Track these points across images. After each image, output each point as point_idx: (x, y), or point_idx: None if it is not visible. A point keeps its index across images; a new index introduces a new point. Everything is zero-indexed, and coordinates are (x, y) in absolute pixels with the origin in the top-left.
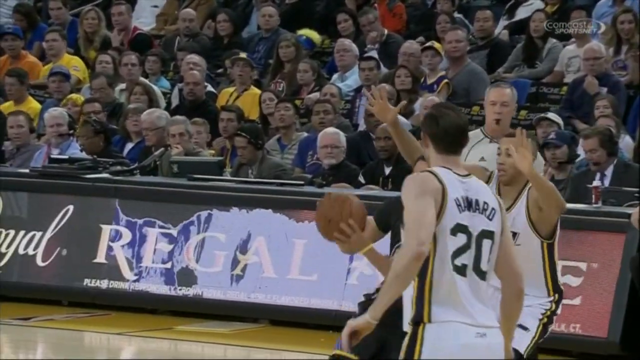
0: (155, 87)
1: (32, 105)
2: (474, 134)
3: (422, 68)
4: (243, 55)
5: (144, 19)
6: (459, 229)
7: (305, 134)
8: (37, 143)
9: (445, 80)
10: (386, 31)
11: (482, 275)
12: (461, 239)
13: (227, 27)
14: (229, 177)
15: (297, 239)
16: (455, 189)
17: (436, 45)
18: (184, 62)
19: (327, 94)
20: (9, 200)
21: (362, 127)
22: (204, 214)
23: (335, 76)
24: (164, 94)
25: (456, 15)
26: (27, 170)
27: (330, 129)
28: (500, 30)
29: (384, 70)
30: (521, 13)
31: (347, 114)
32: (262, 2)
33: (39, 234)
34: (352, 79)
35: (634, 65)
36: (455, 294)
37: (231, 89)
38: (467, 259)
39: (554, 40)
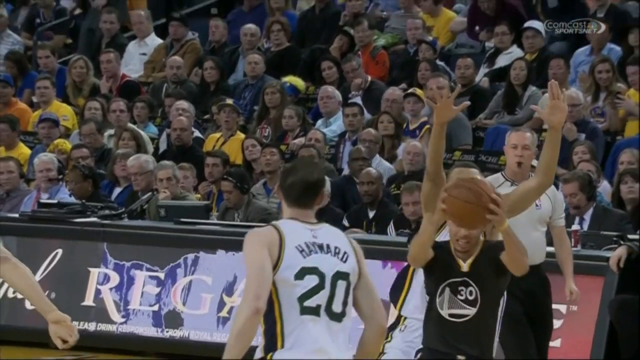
0: (143, 133)
1: (23, 151)
2: (494, 178)
3: (404, 114)
4: (229, 101)
5: (132, 66)
6: (306, 272)
7: None
8: (27, 188)
9: (427, 126)
10: (369, 78)
11: (334, 316)
12: (312, 280)
13: (214, 74)
14: (215, 221)
15: None
16: (298, 237)
17: (418, 91)
18: (172, 108)
19: (312, 139)
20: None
21: (346, 171)
22: (190, 257)
23: (319, 122)
24: (152, 139)
25: (438, 62)
26: (16, 215)
27: None
28: (481, 77)
29: (367, 116)
30: (501, 61)
31: (332, 158)
32: (248, 49)
33: None
34: (336, 125)
35: (612, 112)
36: (306, 337)
37: (218, 135)
38: (321, 299)
39: (534, 88)
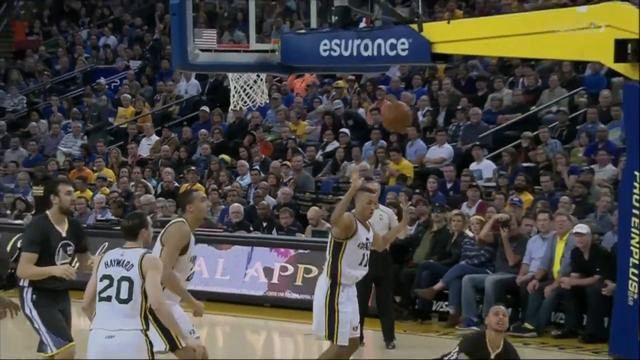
0: (149, 184)
1: (88, 193)
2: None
3: (281, 174)
4: (193, 168)
5: (144, 151)
6: (103, 277)
7: (223, 206)
8: (90, 212)
9: (293, 180)
10: (264, 156)
11: (121, 300)
12: (105, 282)
13: (185, 154)
14: None
15: (219, 258)
16: (110, 256)
17: (289, 163)
18: (163, 171)
19: (235, 187)
20: None
21: (252, 203)
22: None
23: (238, 178)
24: (154, 187)
25: (298, 149)
26: (85, 225)
27: (236, 204)
28: (319, 155)
29: (263, 175)
30: (329, 148)
31: (245, 196)
32: (202, 142)
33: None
34: (246, 179)
35: (384, 174)
36: (102, 312)
37: (188, 185)
38: (111, 292)
39: (346, 162)
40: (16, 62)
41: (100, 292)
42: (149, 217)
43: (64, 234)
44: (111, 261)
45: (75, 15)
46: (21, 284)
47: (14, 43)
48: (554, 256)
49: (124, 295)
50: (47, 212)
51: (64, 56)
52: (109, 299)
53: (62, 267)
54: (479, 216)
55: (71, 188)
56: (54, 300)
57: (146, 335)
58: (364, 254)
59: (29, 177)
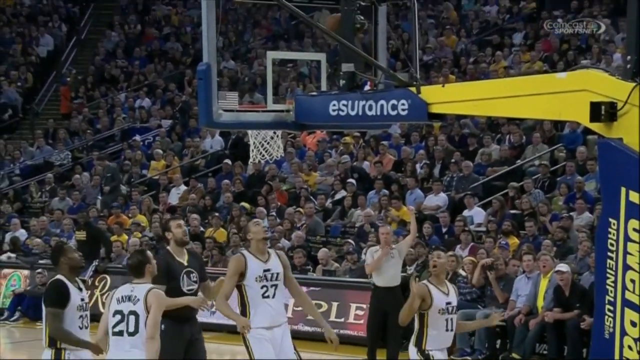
0: None
1: (124, 237)
2: (376, 248)
3: (295, 219)
4: (217, 214)
5: (173, 199)
6: (116, 312)
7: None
8: (125, 254)
9: (305, 224)
10: (279, 203)
11: (129, 334)
12: (117, 317)
13: (209, 202)
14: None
15: None
16: (121, 292)
17: (301, 210)
18: (190, 217)
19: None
20: (114, 279)
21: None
22: None
23: (257, 219)
24: None
25: (310, 197)
26: (120, 266)
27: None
28: (329, 203)
29: (278, 221)
30: (339, 196)
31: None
32: (225, 191)
33: None
34: (265, 223)
35: (386, 218)
36: (115, 345)
37: (212, 229)
38: (122, 326)
39: (352, 209)
40: (63, 123)
41: (114, 326)
42: (149, 252)
43: (185, 264)
44: (122, 297)
45: (115, 81)
46: None
47: (62, 106)
48: (538, 293)
49: (131, 328)
50: (167, 247)
51: (105, 116)
52: (121, 333)
53: (193, 299)
54: (471, 257)
55: (181, 221)
56: (181, 330)
57: None
58: (446, 319)
59: (72, 223)
